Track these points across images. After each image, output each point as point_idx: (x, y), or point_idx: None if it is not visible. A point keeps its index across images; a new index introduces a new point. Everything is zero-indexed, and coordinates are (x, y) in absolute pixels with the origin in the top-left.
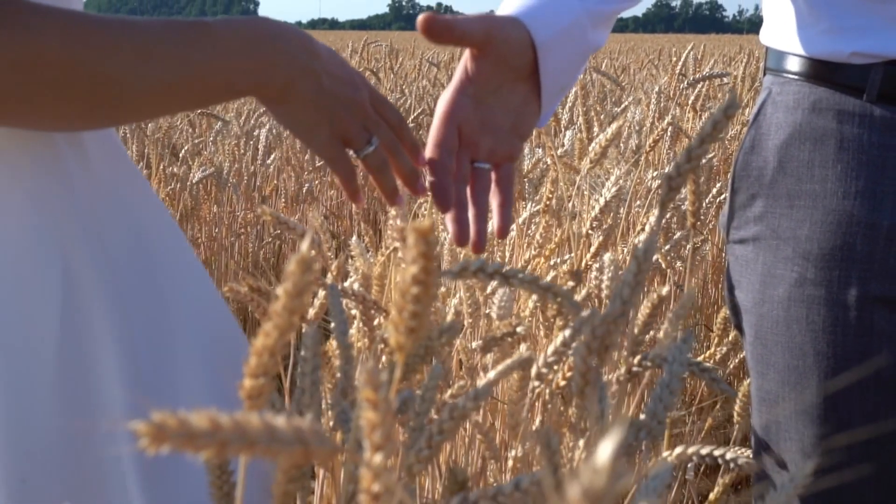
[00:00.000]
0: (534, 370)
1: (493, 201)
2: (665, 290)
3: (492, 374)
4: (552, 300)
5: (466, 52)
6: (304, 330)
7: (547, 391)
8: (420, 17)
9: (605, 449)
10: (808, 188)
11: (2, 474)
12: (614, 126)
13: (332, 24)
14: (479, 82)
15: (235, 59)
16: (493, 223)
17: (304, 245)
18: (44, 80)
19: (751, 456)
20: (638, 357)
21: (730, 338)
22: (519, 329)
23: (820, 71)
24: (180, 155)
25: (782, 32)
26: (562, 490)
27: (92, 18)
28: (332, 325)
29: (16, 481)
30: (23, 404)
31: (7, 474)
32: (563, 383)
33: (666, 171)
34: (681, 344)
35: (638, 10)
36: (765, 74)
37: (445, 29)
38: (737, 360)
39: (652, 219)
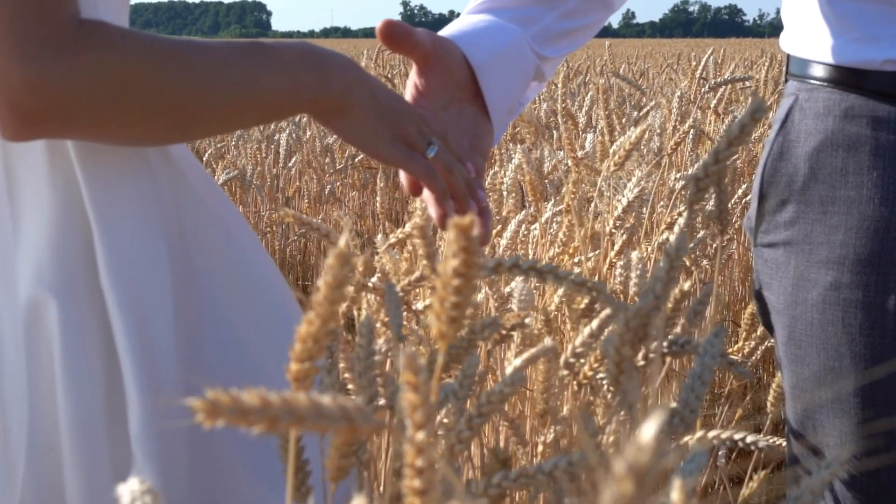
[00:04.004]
0: (562, 360)
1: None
2: (688, 285)
3: (518, 361)
4: (586, 294)
5: (413, 71)
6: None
7: (574, 381)
8: (380, 23)
9: (649, 428)
10: (843, 194)
11: (151, 463)
12: (638, 130)
13: (345, 33)
14: (429, 95)
15: (298, 74)
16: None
17: (342, 241)
18: (132, 98)
19: (774, 440)
20: (654, 343)
21: (757, 332)
22: (527, 321)
23: (850, 78)
24: (204, 159)
25: (807, 40)
26: (606, 467)
27: (168, 41)
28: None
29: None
30: (151, 401)
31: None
32: (590, 373)
33: (690, 171)
34: (712, 337)
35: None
36: (786, 80)
37: (405, 35)
38: (760, 353)
39: (680, 219)
